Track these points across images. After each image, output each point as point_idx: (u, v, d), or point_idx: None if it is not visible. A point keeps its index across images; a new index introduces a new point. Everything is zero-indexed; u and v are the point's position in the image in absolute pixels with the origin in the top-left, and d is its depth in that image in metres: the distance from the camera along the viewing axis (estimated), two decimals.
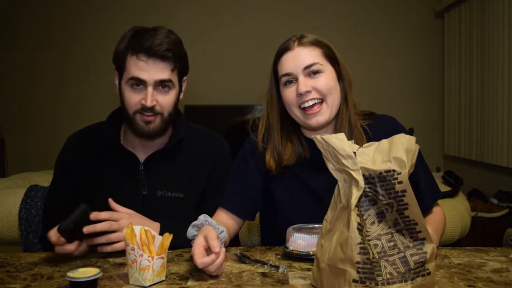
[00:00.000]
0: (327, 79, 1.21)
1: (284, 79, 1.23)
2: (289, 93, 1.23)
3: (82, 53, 3.92)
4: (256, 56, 3.43)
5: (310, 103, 1.20)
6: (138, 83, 1.26)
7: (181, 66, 1.31)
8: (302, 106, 1.21)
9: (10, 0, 3.96)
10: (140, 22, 1.36)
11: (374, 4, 3.90)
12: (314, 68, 1.20)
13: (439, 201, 1.29)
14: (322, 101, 1.21)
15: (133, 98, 1.27)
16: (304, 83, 1.19)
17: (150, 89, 1.25)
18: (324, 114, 1.21)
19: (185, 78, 1.38)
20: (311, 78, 1.21)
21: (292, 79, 1.22)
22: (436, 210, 1.27)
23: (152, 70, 1.25)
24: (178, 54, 1.29)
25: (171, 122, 1.37)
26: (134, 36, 1.28)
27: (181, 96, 1.37)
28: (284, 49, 1.24)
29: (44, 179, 2.27)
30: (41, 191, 1.82)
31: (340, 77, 1.25)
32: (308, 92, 1.19)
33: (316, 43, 1.23)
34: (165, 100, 1.29)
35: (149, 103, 1.25)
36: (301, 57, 1.21)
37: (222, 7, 3.94)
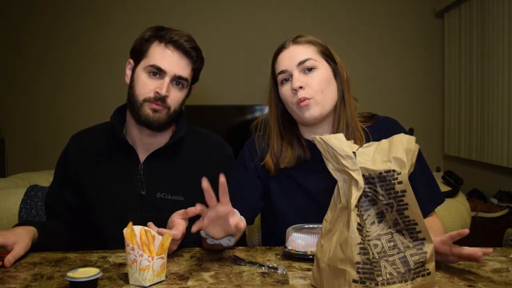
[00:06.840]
0: (321, 75, 1.23)
1: (281, 77, 1.26)
2: (285, 91, 1.25)
3: (82, 53, 3.92)
4: (256, 56, 3.43)
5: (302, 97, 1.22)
6: (157, 72, 1.27)
7: (197, 69, 1.35)
8: (296, 100, 1.22)
9: (10, 1, 3.96)
10: (140, 22, 1.37)
11: (374, 4, 3.90)
12: (308, 64, 1.22)
13: (439, 208, 1.27)
14: (312, 98, 1.22)
15: (148, 86, 1.27)
16: (299, 78, 1.21)
17: (167, 79, 1.27)
18: (314, 108, 1.22)
19: (193, 86, 1.40)
20: (306, 74, 1.23)
21: (288, 77, 1.24)
22: (433, 221, 1.25)
23: (175, 63, 1.27)
24: (200, 56, 1.33)
25: (174, 121, 1.36)
26: (161, 29, 1.30)
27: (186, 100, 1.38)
28: (280, 48, 1.28)
29: (44, 179, 2.27)
30: (41, 191, 1.82)
31: (336, 74, 1.27)
32: (302, 88, 1.21)
33: (311, 42, 1.26)
34: (176, 96, 1.30)
35: (164, 92, 1.26)
36: (295, 53, 1.24)
37: (222, 7, 3.93)
